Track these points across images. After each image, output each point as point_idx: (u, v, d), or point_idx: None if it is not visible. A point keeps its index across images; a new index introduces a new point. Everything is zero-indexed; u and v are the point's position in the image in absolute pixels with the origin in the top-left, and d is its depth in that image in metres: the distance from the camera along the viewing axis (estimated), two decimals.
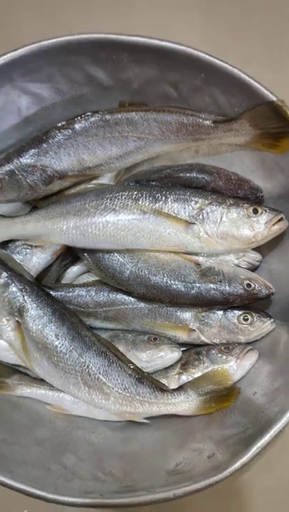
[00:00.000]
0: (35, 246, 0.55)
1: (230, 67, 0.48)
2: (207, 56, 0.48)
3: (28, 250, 0.55)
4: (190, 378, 0.52)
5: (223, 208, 0.52)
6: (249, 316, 0.53)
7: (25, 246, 0.55)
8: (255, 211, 0.52)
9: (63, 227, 0.51)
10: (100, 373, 0.48)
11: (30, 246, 0.55)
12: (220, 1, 0.67)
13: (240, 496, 0.52)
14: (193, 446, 0.45)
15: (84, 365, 0.48)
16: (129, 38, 0.48)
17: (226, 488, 0.52)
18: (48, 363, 0.48)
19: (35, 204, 0.57)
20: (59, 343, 0.48)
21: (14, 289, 0.49)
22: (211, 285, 0.52)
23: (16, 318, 0.49)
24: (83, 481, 0.42)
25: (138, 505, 0.39)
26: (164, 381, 0.52)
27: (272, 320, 0.53)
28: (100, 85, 0.53)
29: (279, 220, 0.52)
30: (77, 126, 0.53)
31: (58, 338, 0.48)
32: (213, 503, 0.50)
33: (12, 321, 0.49)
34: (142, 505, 0.39)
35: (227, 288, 0.52)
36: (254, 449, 0.41)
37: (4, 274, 0.49)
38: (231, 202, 0.53)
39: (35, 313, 0.49)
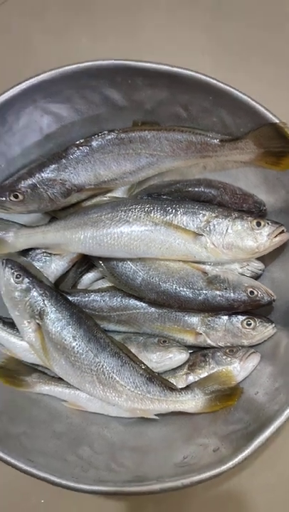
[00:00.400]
0: (54, 254, 0.57)
1: (236, 92, 0.51)
2: (215, 82, 0.51)
3: (47, 258, 0.57)
4: (197, 378, 0.54)
5: (229, 220, 0.54)
6: (252, 321, 0.55)
7: (44, 254, 0.57)
8: (259, 224, 0.54)
9: (81, 237, 0.53)
10: (113, 372, 0.50)
11: (50, 254, 0.57)
12: (224, 23, 0.69)
13: (242, 491, 0.54)
14: (199, 441, 0.48)
15: (99, 365, 0.50)
16: (143, 64, 0.51)
17: (228, 485, 0.54)
18: (66, 363, 0.50)
19: (53, 215, 0.59)
20: (76, 344, 0.50)
21: (35, 293, 0.51)
22: (217, 292, 0.54)
23: (37, 321, 0.51)
24: (98, 471, 0.45)
25: (149, 493, 0.42)
26: (172, 380, 0.53)
27: (273, 325, 0.55)
28: (116, 106, 0.56)
29: (280, 233, 0.53)
30: (94, 143, 0.55)
31: (76, 340, 0.50)
32: (216, 498, 0.53)
33: (33, 323, 0.51)
34: (152, 493, 0.42)
35: (232, 295, 0.54)
36: (255, 444, 0.44)
37: (26, 279, 0.52)
38: (236, 215, 0.54)
39: (54, 317, 0.51)
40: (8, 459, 0.43)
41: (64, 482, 0.42)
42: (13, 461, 0.42)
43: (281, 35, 0.70)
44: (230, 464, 0.43)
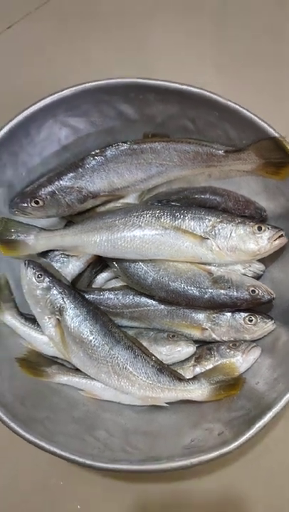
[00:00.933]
0: (71, 255, 0.59)
1: (240, 108, 0.54)
2: (221, 99, 0.54)
3: (65, 259, 0.59)
4: (203, 370, 0.56)
5: (232, 225, 0.56)
6: (253, 318, 0.57)
7: (62, 255, 0.59)
8: (260, 228, 0.56)
9: (97, 240, 0.56)
10: (127, 364, 0.53)
11: (67, 255, 0.59)
12: (230, 39, 0.73)
13: (244, 476, 0.57)
14: (205, 426, 0.51)
15: (114, 357, 0.53)
16: (154, 82, 0.55)
17: (231, 469, 0.57)
18: (83, 355, 0.53)
19: (70, 219, 0.62)
20: (93, 338, 0.53)
21: (55, 291, 0.54)
22: (222, 291, 0.56)
23: (57, 317, 0.54)
24: (114, 452, 0.49)
25: (161, 471, 0.46)
26: (180, 372, 0.55)
27: (273, 321, 0.57)
28: (128, 119, 0.59)
29: (280, 236, 0.56)
30: (108, 153, 0.57)
31: (92, 334, 0.53)
32: (219, 482, 0.56)
33: (53, 318, 0.54)
34: (164, 471, 0.46)
35: (235, 293, 0.56)
36: (256, 428, 0.47)
37: (47, 279, 0.55)
38: (239, 220, 0.56)
39: (72, 313, 0.54)
40: (33, 439, 0.46)
41: (83, 460, 0.46)
42: (37, 441, 0.46)
43: (286, 50, 0.72)
44: (233, 446, 0.46)
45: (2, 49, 0.73)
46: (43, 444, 0.46)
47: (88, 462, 0.46)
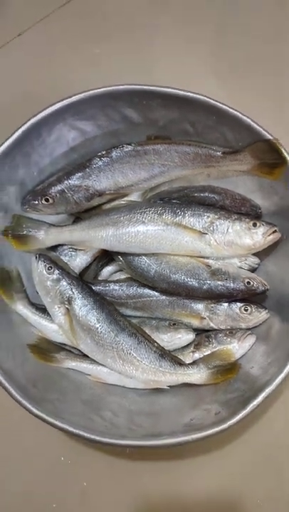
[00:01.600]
0: (79, 249, 0.61)
1: (236, 113, 0.56)
2: (218, 104, 0.56)
3: (73, 253, 0.62)
4: (201, 355, 0.58)
5: (229, 221, 0.58)
6: (249, 308, 0.59)
7: (70, 249, 0.62)
8: (255, 224, 0.58)
9: (103, 235, 0.58)
10: (131, 350, 0.55)
11: (75, 249, 0.61)
12: (228, 46, 0.76)
13: (241, 452, 0.60)
14: (204, 407, 0.54)
15: (119, 344, 0.55)
16: (157, 89, 0.57)
17: (229, 447, 0.60)
18: (90, 341, 0.56)
19: (77, 216, 0.64)
20: (99, 325, 0.56)
21: (64, 283, 0.57)
22: (219, 282, 0.58)
23: (66, 306, 0.57)
24: (119, 429, 0.52)
25: (163, 446, 0.50)
26: (181, 357, 0.58)
27: (267, 311, 0.59)
28: (132, 122, 0.61)
29: (273, 232, 0.58)
30: (113, 154, 0.60)
31: (99, 322, 0.56)
32: (220, 454, 0.60)
33: (62, 308, 0.57)
34: (166, 446, 0.50)
35: (231, 285, 0.58)
36: (249, 407, 0.50)
37: (56, 271, 0.57)
38: (236, 217, 0.59)
39: (80, 303, 0.57)
40: (45, 417, 0.50)
41: (91, 436, 0.49)
42: (49, 419, 0.49)
43: (283, 57, 0.75)
44: (228, 424, 0.49)
45: (12, 56, 0.76)
46: (54, 421, 0.49)
47: (96, 438, 0.49)
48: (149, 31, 0.77)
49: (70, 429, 0.50)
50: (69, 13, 0.78)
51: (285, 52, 0.76)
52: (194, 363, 0.57)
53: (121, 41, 0.76)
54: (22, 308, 0.60)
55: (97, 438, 0.49)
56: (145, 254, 0.60)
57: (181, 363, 0.56)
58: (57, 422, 0.50)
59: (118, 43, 0.76)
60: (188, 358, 0.59)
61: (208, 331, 0.61)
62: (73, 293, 0.57)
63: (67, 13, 0.78)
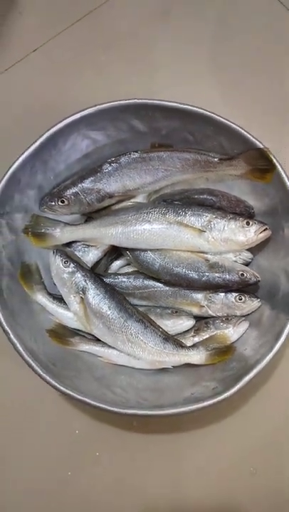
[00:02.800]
0: (91, 245, 0.65)
1: (231, 124, 0.61)
2: (215, 116, 0.62)
3: (85, 248, 0.66)
4: (201, 339, 0.62)
5: (225, 220, 0.61)
6: (243, 297, 0.62)
7: (83, 245, 0.66)
8: (248, 223, 0.61)
9: (113, 233, 0.62)
10: (138, 334, 0.60)
11: (88, 245, 0.65)
12: (225, 61, 0.81)
13: (237, 424, 0.66)
14: (202, 384, 0.59)
15: (128, 328, 0.60)
16: (160, 102, 0.63)
17: (227, 419, 0.65)
18: (103, 326, 0.61)
19: (89, 215, 0.68)
20: (110, 312, 0.60)
21: (79, 275, 0.61)
22: (216, 274, 0.62)
23: (80, 295, 0.61)
24: (129, 402, 0.57)
25: (167, 415, 0.55)
26: (182, 341, 0.62)
27: (259, 300, 0.63)
28: (138, 132, 0.66)
29: (265, 230, 0.61)
30: (122, 161, 0.64)
31: (110, 309, 0.60)
32: (216, 426, 0.66)
33: (78, 297, 0.61)
34: (170, 416, 0.55)
35: (227, 276, 0.62)
36: (242, 382, 0.55)
37: (72, 265, 0.62)
38: (231, 216, 0.62)
39: (93, 292, 0.61)
40: (64, 389, 0.55)
41: (107, 407, 0.55)
42: (67, 391, 0.55)
43: (274, 69, 0.80)
44: (223, 396, 0.55)
45: (28, 70, 0.81)
46: (73, 393, 0.55)
47: (109, 408, 0.55)
48: (154, 47, 0.82)
49: (88, 400, 0.55)
50: (80, 30, 0.82)
51: (276, 65, 0.82)
52: (194, 345, 0.61)
53: (126, 52, 0.81)
54: (41, 298, 0.64)
55: (110, 408, 0.55)
56: (150, 250, 0.63)
57: (182, 346, 0.60)
58: (76, 395, 0.55)
59: (126, 62, 0.81)
60: (189, 341, 0.63)
61: (206, 317, 0.65)
62: (87, 284, 0.62)
63: (78, 30, 0.82)
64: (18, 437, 0.67)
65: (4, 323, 0.57)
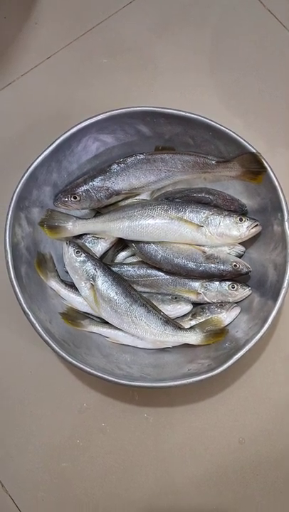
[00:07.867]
0: (100, 238, 0.69)
1: (228, 130, 0.66)
2: (213, 123, 0.67)
3: (95, 240, 0.70)
4: (197, 322, 0.66)
5: (221, 217, 0.66)
6: (235, 285, 0.67)
7: (93, 237, 0.70)
8: (241, 219, 0.66)
9: (120, 226, 0.66)
10: (142, 317, 0.65)
11: (97, 238, 0.69)
12: (223, 71, 0.86)
13: (229, 397, 0.72)
14: (198, 361, 0.64)
15: (133, 311, 0.65)
16: (164, 110, 0.68)
17: (221, 394, 0.72)
18: (110, 310, 0.66)
19: (98, 211, 0.72)
20: (117, 297, 0.65)
21: (89, 264, 0.66)
22: (212, 265, 0.66)
23: (91, 282, 0.66)
24: (133, 376, 0.64)
25: (168, 387, 0.62)
26: (181, 323, 0.66)
27: (249, 288, 0.67)
28: (144, 136, 0.70)
29: (256, 226, 0.66)
30: (129, 161, 0.68)
31: (117, 295, 0.65)
32: (210, 401, 0.72)
33: (88, 283, 0.66)
34: (170, 387, 0.62)
35: (222, 267, 0.66)
36: (233, 359, 0.61)
37: (83, 254, 0.67)
38: (226, 213, 0.66)
39: (102, 279, 0.66)
40: (76, 363, 0.61)
41: (115, 379, 0.61)
42: (80, 365, 0.61)
43: (269, 78, 0.85)
44: (217, 371, 0.61)
45: (42, 76, 0.86)
46: (85, 368, 0.62)
47: (117, 380, 0.61)
48: (157, 53, 0.86)
49: (98, 373, 0.61)
50: (91, 38, 0.87)
51: (272, 74, 0.87)
52: (192, 328, 0.66)
53: (131, 61, 0.85)
54: (55, 284, 0.69)
55: (118, 380, 0.62)
56: (153, 242, 0.67)
57: (181, 328, 0.65)
58: (87, 368, 0.62)
59: (130, 63, 0.86)
60: (186, 324, 0.67)
61: (202, 303, 0.69)
62: (96, 272, 0.67)
63: (90, 38, 0.87)
64: (32, 408, 0.73)
65: (24, 305, 0.64)
